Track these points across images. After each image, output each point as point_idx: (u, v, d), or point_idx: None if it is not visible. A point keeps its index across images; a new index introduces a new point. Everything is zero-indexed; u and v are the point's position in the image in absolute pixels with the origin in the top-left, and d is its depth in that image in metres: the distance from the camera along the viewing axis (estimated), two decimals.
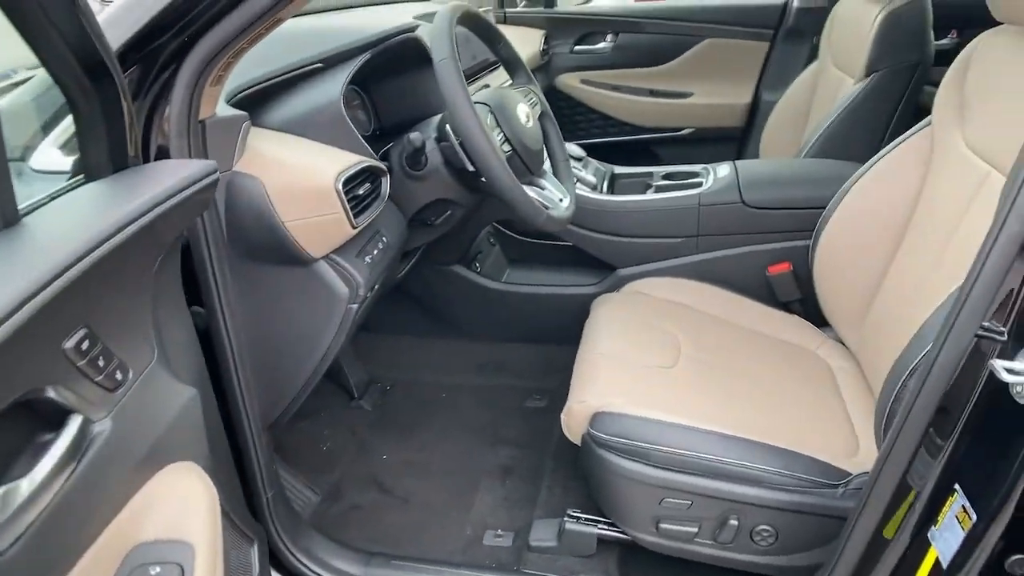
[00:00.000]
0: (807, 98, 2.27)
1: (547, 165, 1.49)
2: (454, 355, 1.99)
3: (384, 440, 1.76)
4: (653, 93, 2.75)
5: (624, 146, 2.80)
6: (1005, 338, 0.79)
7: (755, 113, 2.67)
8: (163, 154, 0.90)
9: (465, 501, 1.56)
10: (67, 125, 0.85)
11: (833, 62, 2.12)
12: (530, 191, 1.29)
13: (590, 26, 2.71)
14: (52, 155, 0.86)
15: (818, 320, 1.61)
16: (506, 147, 1.26)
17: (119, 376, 0.69)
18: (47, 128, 0.89)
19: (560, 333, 1.86)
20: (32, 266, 0.55)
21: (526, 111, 1.32)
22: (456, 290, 1.86)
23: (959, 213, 1.21)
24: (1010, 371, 0.76)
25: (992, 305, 0.81)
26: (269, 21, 0.87)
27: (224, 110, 1.00)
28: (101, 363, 0.65)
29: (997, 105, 1.18)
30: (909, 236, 1.38)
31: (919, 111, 1.91)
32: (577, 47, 2.72)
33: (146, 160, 0.89)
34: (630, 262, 1.77)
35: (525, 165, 1.29)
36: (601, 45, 2.73)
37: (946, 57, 2.00)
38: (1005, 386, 0.77)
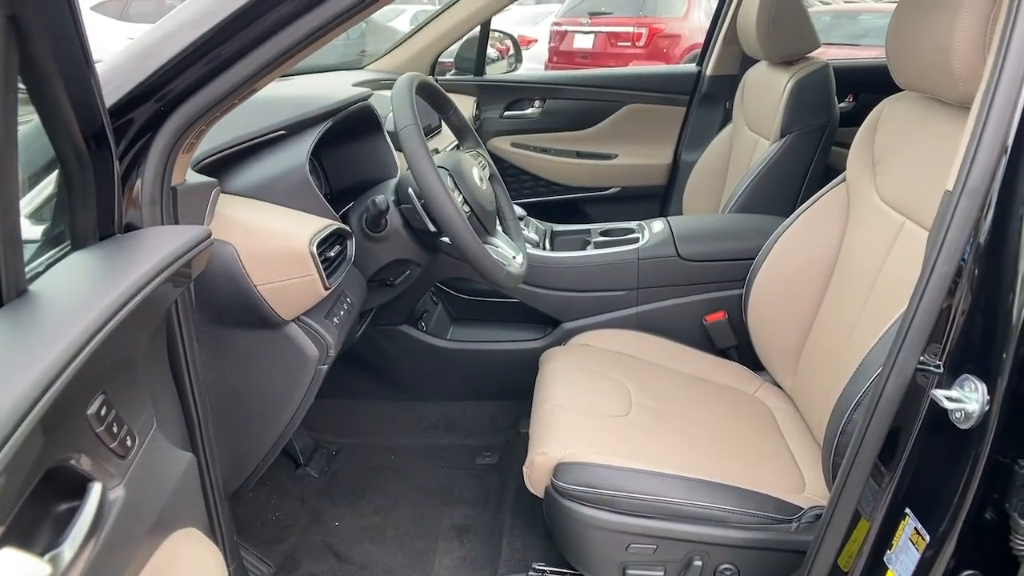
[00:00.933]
0: (724, 158, 2.43)
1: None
2: (401, 416, 1.98)
3: (335, 507, 1.72)
4: (580, 155, 2.87)
5: (555, 205, 2.90)
6: (941, 370, 0.87)
7: (676, 172, 2.82)
8: (132, 222, 0.89)
9: (424, 564, 1.54)
10: (33, 195, 0.83)
11: (747, 124, 2.29)
12: (488, 249, 1.33)
13: (518, 93, 2.83)
14: None
15: (754, 365, 1.70)
16: (465, 208, 1.30)
17: (129, 442, 0.67)
18: None
19: (507, 389, 1.89)
20: (61, 334, 0.54)
21: (479, 173, 1.37)
22: (402, 350, 1.86)
23: (879, 260, 1.33)
24: (949, 399, 0.84)
25: (928, 341, 0.89)
26: (246, 91, 0.89)
27: (192, 177, 1.01)
28: (115, 429, 0.64)
29: (905, 162, 1.31)
30: (834, 283, 1.49)
31: (828, 169, 2.08)
32: (507, 112, 2.83)
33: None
34: (574, 316, 1.83)
35: (482, 225, 1.34)
36: (529, 111, 2.85)
37: (847, 118, 2.21)
38: (945, 413, 0.85)
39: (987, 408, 0.81)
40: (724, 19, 2.69)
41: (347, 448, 1.92)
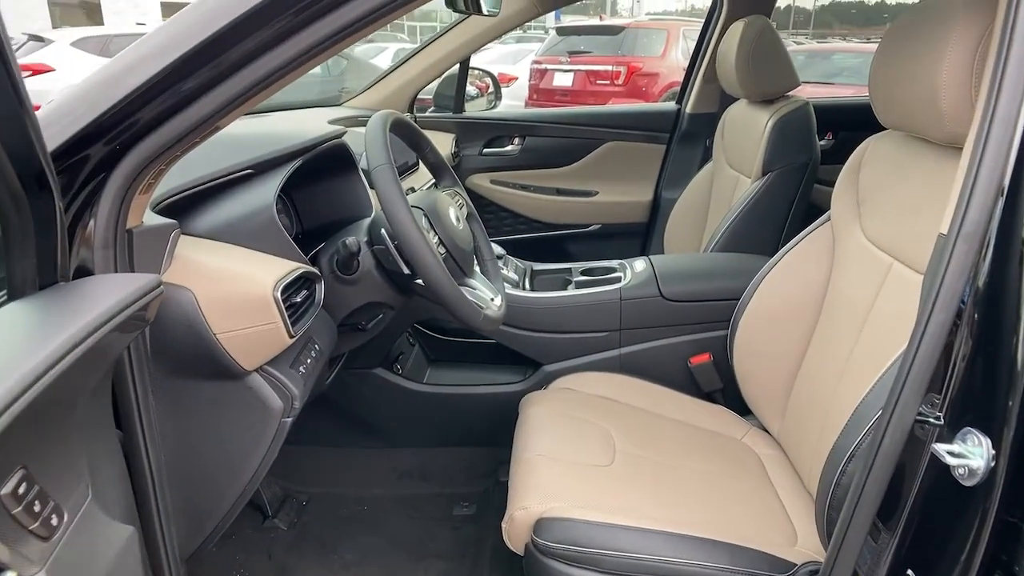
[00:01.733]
0: (705, 195, 2.41)
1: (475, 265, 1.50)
2: (374, 464, 1.90)
3: (303, 561, 1.63)
4: (560, 192, 2.84)
5: (535, 242, 2.87)
6: (942, 422, 0.82)
7: (656, 210, 2.81)
8: (84, 265, 0.83)
9: None
10: None
11: (727, 162, 2.27)
12: (464, 292, 1.27)
13: (497, 130, 2.81)
14: None
15: (740, 408, 1.65)
16: (440, 249, 1.25)
17: (54, 521, 0.60)
18: None
19: (485, 434, 1.82)
20: None
21: (456, 213, 1.33)
22: (377, 394, 1.79)
23: (867, 303, 1.29)
24: (951, 453, 0.79)
25: (926, 391, 0.84)
26: (207, 130, 0.84)
27: (151, 218, 0.95)
28: (37, 508, 0.57)
29: (890, 203, 1.28)
30: (821, 325, 1.45)
31: (811, 206, 2.07)
32: (486, 150, 2.80)
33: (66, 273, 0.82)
34: (556, 358, 1.77)
35: (459, 266, 1.29)
36: (509, 148, 2.83)
37: (826, 156, 2.20)
38: (947, 468, 0.80)
39: (992, 464, 0.77)
40: (703, 57, 2.70)
41: (317, 498, 1.83)
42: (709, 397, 1.73)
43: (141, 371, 0.93)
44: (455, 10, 1.60)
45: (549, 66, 8.96)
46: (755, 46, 2.00)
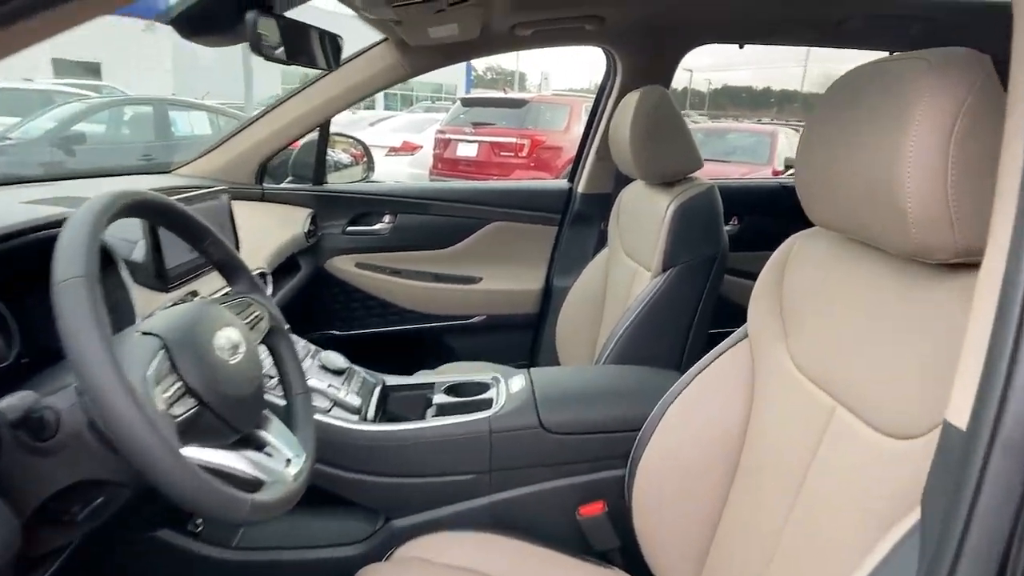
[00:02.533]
0: (600, 285, 2.11)
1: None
2: None
3: None
4: (438, 278, 2.48)
5: (408, 337, 2.47)
6: None
7: (548, 299, 2.48)
8: None
9: None
10: None
11: (624, 251, 1.97)
12: (236, 459, 0.85)
13: (365, 205, 2.43)
14: None
15: (643, 572, 1.27)
16: (188, 402, 0.82)
17: None
18: None
19: None
20: None
21: (233, 337, 0.90)
22: (163, 566, 1.31)
23: (805, 453, 0.96)
24: None
25: None
26: None
27: None
28: None
29: (827, 324, 0.97)
30: (743, 473, 1.11)
31: (720, 300, 1.77)
32: (350, 228, 2.41)
33: None
34: (407, 510, 1.36)
35: (225, 422, 0.86)
36: (378, 226, 2.45)
37: (732, 243, 1.93)
38: None
39: None
40: (595, 132, 2.44)
41: None
42: (604, 557, 1.35)
43: None
44: (266, 59, 1.23)
45: (453, 136, 8.80)
46: (651, 120, 1.71)
